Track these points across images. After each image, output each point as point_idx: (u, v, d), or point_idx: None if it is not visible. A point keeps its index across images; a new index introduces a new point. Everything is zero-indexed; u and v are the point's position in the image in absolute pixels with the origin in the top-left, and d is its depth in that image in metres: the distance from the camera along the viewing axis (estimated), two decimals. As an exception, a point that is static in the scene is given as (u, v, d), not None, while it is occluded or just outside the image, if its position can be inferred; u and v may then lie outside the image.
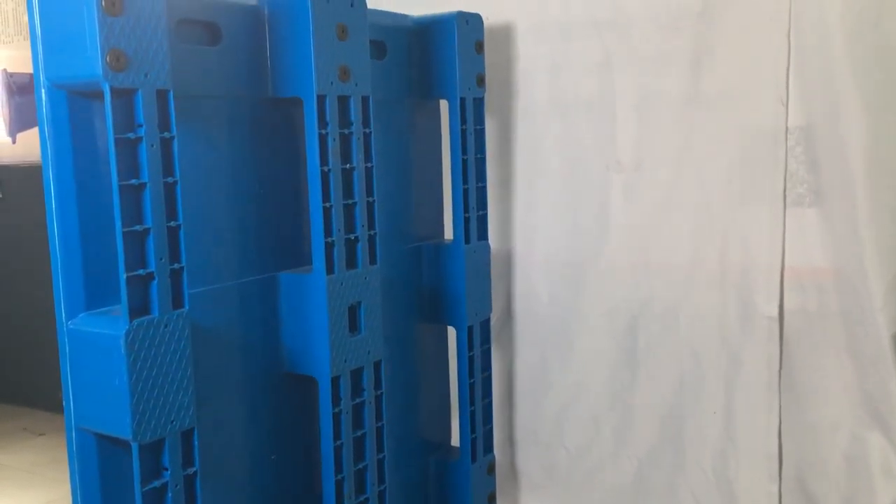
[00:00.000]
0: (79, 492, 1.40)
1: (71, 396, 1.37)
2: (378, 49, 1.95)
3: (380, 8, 1.95)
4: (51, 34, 1.28)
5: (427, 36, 2.02)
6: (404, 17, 2.02)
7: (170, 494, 1.36)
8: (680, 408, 2.11)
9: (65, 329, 1.36)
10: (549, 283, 2.28)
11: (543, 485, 2.36)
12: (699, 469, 2.10)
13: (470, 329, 2.10)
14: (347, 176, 1.68)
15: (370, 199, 1.74)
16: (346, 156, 1.68)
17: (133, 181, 1.28)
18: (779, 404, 1.97)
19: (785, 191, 1.90)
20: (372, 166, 1.74)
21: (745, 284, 1.98)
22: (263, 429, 1.71)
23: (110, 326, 1.30)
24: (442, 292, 2.10)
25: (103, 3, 1.22)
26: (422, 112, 2.12)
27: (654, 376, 2.14)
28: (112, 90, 1.24)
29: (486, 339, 2.16)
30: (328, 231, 1.64)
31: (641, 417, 2.18)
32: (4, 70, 2.75)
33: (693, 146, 2.01)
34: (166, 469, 1.36)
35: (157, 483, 1.34)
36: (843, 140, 1.81)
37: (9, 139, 2.70)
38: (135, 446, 1.31)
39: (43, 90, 1.31)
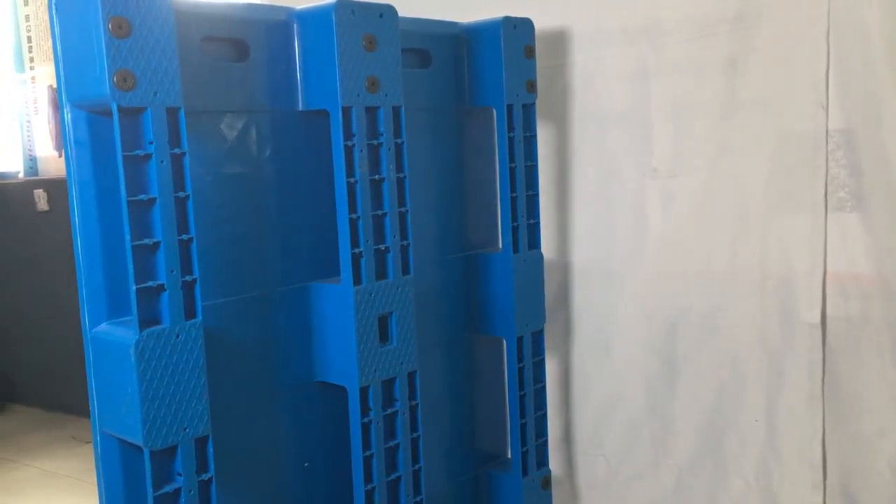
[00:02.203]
0: (104, 493, 1.47)
1: (95, 401, 1.44)
2: (423, 57, 1.95)
3: (433, 16, 1.97)
4: (69, 56, 1.35)
5: (474, 42, 2.00)
6: (453, 24, 2.01)
7: (183, 499, 1.40)
8: (721, 416, 2.07)
9: (88, 337, 1.43)
10: (585, 290, 2.26)
11: (582, 493, 2.33)
12: (741, 478, 2.05)
13: (520, 340, 2.06)
14: (377, 187, 1.69)
15: (402, 210, 1.73)
16: (375, 166, 1.68)
17: (142, 196, 1.33)
18: (822, 412, 1.91)
19: (826, 195, 1.84)
20: (404, 177, 1.73)
21: (786, 291, 1.93)
22: (296, 435, 1.74)
23: (124, 335, 1.36)
24: (491, 302, 2.07)
25: (110, 25, 1.27)
26: (474, 120, 2.09)
27: (693, 384, 2.11)
28: (120, 109, 1.29)
29: (538, 351, 2.11)
30: (355, 242, 1.65)
31: (681, 426, 2.14)
32: (51, 86, 2.90)
33: (731, 152, 1.96)
34: (181, 474, 1.40)
35: (169, 488, 1.38)
36: (885, 143, 1.73)
37: (55, 153, 2.85)
38: (146, 452, 1.35)
39: (66, 109, 1.38)
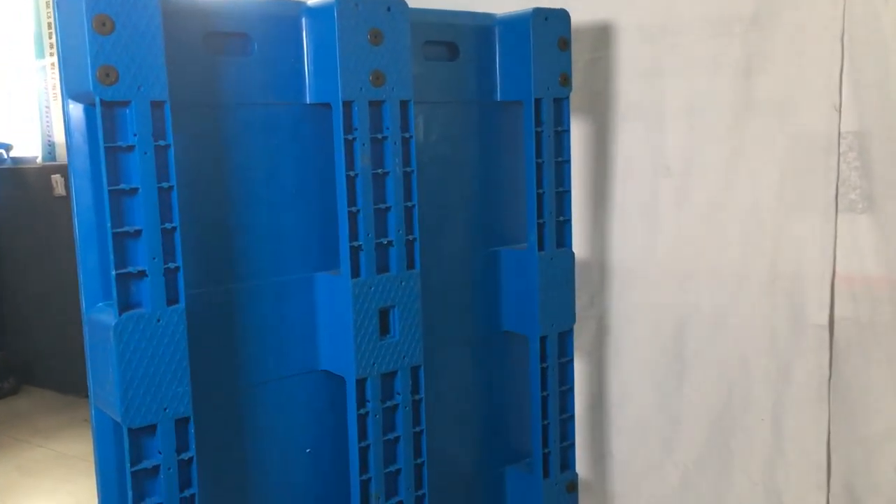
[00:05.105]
0: (98, 466, 1.55)
1: (90, 379, 1.52)
2: (449, 50, 1.93)
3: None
4: (65, 51, 1.42)
5: (504, 35, 1.96)
6: (484, 16, 1.98)
7: (162, 477, 1.46)
8: (728, 415, 2.07)
9: (85, 318, 1.51)
10: (595, 287, 2.24)
11: (588, 491, 2.32)
12: (746, 477, 2.05)
13: (543, 339, 2.01)
14: (380, 181, 1.69)
15: (409, 204, 1.73)
16: (379, 160, 1.69)
17: (123, 186, 1.39)
18: (828, 413, 1.89)
19: (837, 197, 1.81)
20: (412, 171, 1.73)
21: (795, 291, 1.91)
22: (300, 422, 1.77)
23: (107, 318, 1.43)
24: (515, 300, 2.03)
25: (94, 23, 1.33)
26: (508, 114, 2.05)
27: (701, 383, 2.10)
28: (103, 103, 1.36)
29: (565, 352, 2.06)
30: (354, 235, 1.66)
31: (688, 424, 2.14)
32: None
33: (743, 152, 1.93)
34: (161, 452, 1.46)
35: (147, 464, 1.45)
36: None
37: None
38: (125, 428, 1.42)
39: (66, 101, 1.46)
